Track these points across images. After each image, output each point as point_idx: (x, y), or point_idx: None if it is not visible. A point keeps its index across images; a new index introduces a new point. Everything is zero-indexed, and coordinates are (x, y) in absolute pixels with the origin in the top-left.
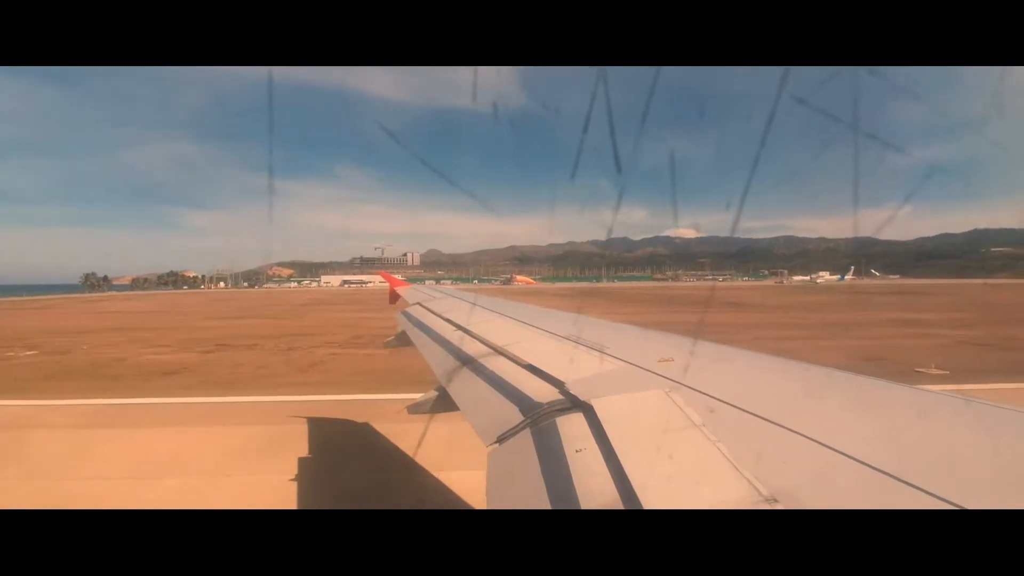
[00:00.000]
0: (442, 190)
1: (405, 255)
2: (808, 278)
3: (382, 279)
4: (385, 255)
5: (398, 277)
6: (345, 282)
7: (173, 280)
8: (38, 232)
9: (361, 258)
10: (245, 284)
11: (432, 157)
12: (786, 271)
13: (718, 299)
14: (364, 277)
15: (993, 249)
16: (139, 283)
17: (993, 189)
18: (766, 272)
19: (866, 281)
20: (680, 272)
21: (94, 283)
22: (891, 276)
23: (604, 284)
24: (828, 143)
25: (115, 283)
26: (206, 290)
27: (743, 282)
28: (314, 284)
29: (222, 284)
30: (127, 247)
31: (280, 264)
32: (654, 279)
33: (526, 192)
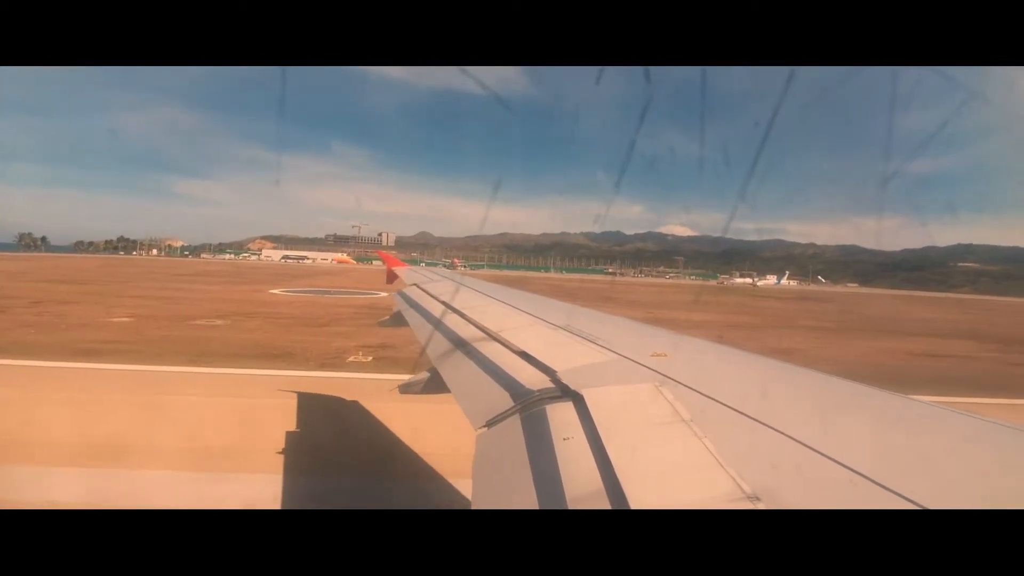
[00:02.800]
0: (438, 173)
1: (380, 235)
2: (750, 281)
3: (379, 259)
4: (361, 234)
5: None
6: (285, 257)
7: (124, 245)
8: (24, 191)
9: (335, 235)
10: (186, 254)
11: (431, 137)
12: (755, 273)
13: (597, 292)
14: (306, 254)
15: (960, 264)
16: (82, 246)
17: (983, 204)
18: (733, 273)
19: (803, 286)
20: (641, 268)
21: (29, 243)
22: (849, 284)
23: (537, 274)
24: (827, 150)
25: (56, 245)
26: (137, 256)
27: (690, 280)
28: (254, 257)
29: (155, 252)
30: (117, 211)
31: (265, 238)
32: (607, 272)
33: (523, 180)
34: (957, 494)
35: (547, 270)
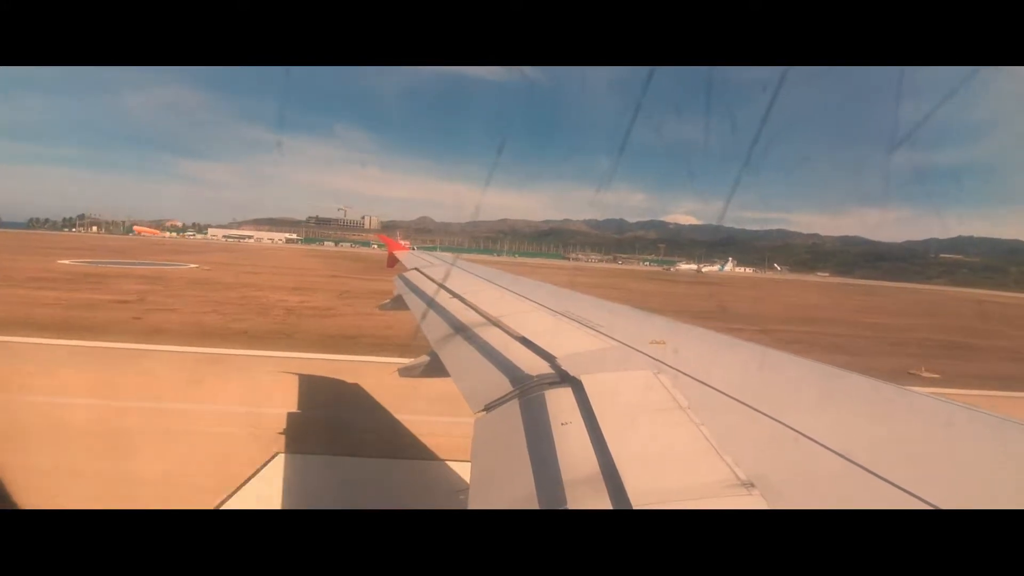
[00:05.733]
0: (442, 158)
1: (363, 218)
2: (696, 268)
3: (382, 242)
4: (347, 217)
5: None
6: (226, 237)
7: (84, 223)
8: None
9: (316, 218)
10: (130, 232)
11: (433, 122)
12: (722, 260)
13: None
14: (247, 232)
15: (941, 256)
16: (37, 223)
17: (989, 198)
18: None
19: (755, 274)
20: (616, 256)
21: None
22: (820, 273)
23: (489, 257)
24: (832, 143)
25: (11, 221)
26: (75, 232)
27: (642, 267)
28: (199, 236)
29: (95, 228)
30: (119, 190)
31: (256, 220)
32: (562, 256)
33: (529, 167)
34: (949, 484)
35: (499, 253)
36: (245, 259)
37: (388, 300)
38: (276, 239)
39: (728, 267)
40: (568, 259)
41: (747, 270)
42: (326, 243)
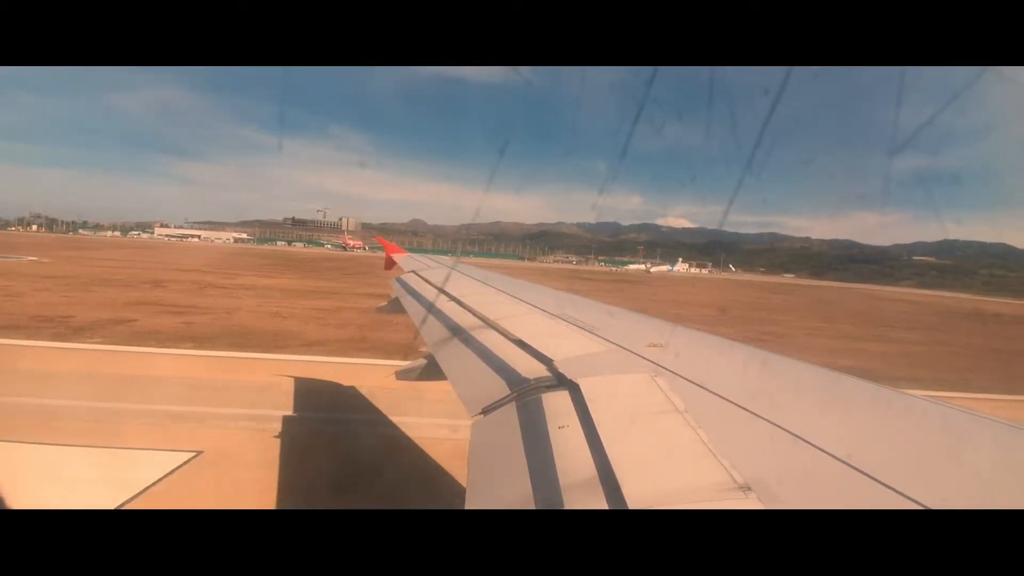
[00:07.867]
0: (436, 161)
1: (340, 219)
2: (644, 267)
3: (339, 243)
4: (326, 218)
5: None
6: (168, 236)
7: (23, 222)
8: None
9: (293, 219)
10: (78, 231)
11: (429, 124)
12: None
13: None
14: (192, 232)
15: (915, 258)
16: None
17: (977, 202)
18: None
19: (711, 274)
20: (588, 257)
21: None
22: (787, 275)
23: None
24: (826, 147)
25: None
26: (15, 231)
27: (597, 266)
28: (144, 235)
29: (34, 227)
30: (112, 191)
31: (244, 222)
32: (517, 257)
33: (524, 170)
34: (947, 488)
35: (456, 253)
36: (127, 256)
37: (386, 303)
38: (224, 238)
39: (678, 267)
40: (523, 259)
41: (704, 270)
42: (278, 243)
